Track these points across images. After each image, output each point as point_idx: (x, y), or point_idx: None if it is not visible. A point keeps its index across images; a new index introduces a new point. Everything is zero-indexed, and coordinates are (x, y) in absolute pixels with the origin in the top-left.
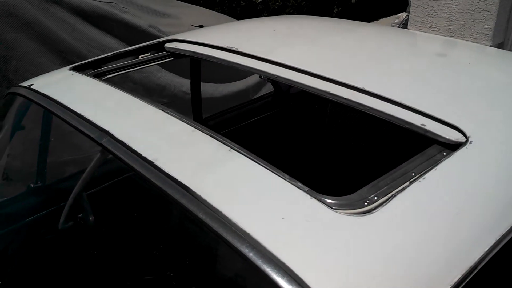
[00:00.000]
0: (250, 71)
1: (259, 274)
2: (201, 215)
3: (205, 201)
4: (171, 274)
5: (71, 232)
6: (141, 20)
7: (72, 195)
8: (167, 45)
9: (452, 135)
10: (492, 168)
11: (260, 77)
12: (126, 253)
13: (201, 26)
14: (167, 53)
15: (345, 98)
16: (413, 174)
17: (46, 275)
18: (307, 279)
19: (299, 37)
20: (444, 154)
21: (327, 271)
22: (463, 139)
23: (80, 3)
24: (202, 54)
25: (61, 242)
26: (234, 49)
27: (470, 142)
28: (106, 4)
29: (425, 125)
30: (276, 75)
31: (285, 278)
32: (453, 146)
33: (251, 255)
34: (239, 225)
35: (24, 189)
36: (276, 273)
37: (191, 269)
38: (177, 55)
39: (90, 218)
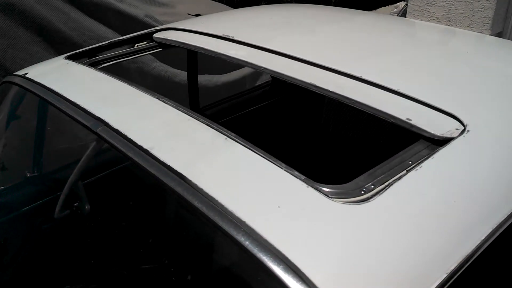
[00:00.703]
0: (238, 63)
1: (255, 263)
2: (197, 203)
3: (201, 189)
4: (167, 263)
5: (67, 221)
6: (137, 10)
7: (67, 184)
8: (155, 35)
9: (448, 126)
10: (489, 157)
11: None
12: (122, 242)
13: (198, 15)
14: (156, 43)
15: (330, 91)
16: (410, 162)
17: (42, 264)
18: (303, 267)
19: (296, 26)
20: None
21: (323, 259)
22: (456, 132)
23: None
24: (189, 45)
25: (57, 231)
26: (230, 37)
27: (468, 131)
28: None
29: (410, 120)
30: (263, 67)
31: (281, 266)
32: (444, 140)
33: (247, 243)
34: (235, 214)
35: (20, 179)
36: (272, 261)
37: (187, 257)
38: (165, 45)
39: (86, 207)
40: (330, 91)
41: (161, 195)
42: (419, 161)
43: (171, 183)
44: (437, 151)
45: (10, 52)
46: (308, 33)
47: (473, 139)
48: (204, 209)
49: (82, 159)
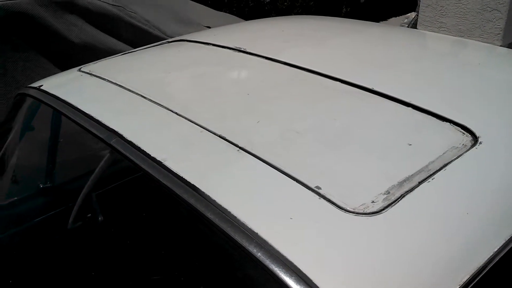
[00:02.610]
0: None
1: (267, 274)
2: (209, 215)
3: (214, 201)
4: (179, 274)
5: (80, 232)
6: (149, 23)
7: (81, 196)
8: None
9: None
10: (502, 168)
11: None
12: (135, 253)
13: (208, 27)
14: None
15: None
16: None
17: (54, 275)
18: (315, 279)
19: (308, 37)
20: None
21: (335, 271)
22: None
23: (88, 4)
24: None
25: (69, 242)
26: (242, 49)
27: (480, 143)
28: (114, 7)
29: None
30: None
31: (293, 277)
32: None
33: (259, 255)
34: (247, 225)
35: (33, 190)
36: (284, 272)
37: (199, 269)
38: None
39: (99, 218)
40: None
41: (174, 207)
42: (431, 173)
43: (184, 194)
44: (449, 163)
45: (21, 64)
46: (320, 45)
47: (486, 150)
48: (216, 221)
49: (96, 171)
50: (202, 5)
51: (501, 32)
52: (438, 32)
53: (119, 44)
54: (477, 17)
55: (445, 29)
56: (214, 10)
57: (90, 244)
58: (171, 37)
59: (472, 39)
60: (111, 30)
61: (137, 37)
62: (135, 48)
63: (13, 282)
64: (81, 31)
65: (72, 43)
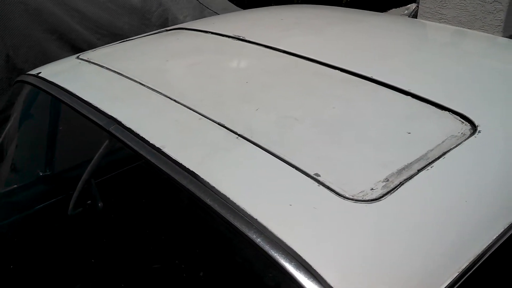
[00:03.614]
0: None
1: (267, 260)
2: (209, 201)
3: (213, 187)
4: (179, 261)
5: (80, 219)
6: (153, 5)
7: (80, 182)
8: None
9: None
10: (501, 156)
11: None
12: (135, 240)
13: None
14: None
15: None
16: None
17: (54, 262)
18: (314, 265)
19: (307, 26)
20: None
21: (334, 257)
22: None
23: None
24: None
25: (69, 229)
26: (241, 37)
27: (479, 132)
28: None
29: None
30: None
31: (293, 263)
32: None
33: (258, 240)
34: (247, 211)
35: (33, 178)
36: (283, 258)
37: (199, 255)
38: None
39: (99, 204)
40: None
41: (173, 193)
42: (430, 162)
43: (183, 181)
44: (448, 152)
45: (23, 51)
46: (319, 34)
47: (485, 139)
48: (216, 207)
49: (95, 158)
50: None
51: (501, 24)
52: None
53: (123, 30)
54: (477, 8)
55: (445, 20)
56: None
57: (90, 230)
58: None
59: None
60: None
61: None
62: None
63: (13, 268)
64: (83, 17)
65: (74, 29)
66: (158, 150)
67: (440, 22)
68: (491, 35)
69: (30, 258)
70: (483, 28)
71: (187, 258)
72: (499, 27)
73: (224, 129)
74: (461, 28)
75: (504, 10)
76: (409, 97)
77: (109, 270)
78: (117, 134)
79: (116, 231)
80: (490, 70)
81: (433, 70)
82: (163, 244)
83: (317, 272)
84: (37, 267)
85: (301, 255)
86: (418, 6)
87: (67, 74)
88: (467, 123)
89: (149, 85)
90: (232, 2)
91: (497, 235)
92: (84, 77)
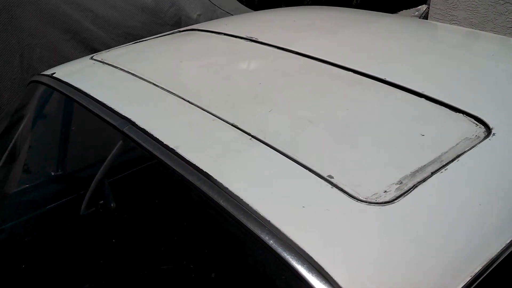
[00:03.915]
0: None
1: (279, 262)
2: (222, 202)
3: (226, 188)
4: (191, 261)
5: (92, 219)
6: (166, 5)
7: (93, 182)
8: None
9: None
10: None
11: None
12: (146, 240)
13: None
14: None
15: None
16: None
17: (65, 262)
18: (327, 267)
19: (319, 28)
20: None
21: (346, 260)
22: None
23: None
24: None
25: (82, 229)
26: (254, 39)
27: (493, 134)
28: None
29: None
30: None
31: (305, 265)
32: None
33: (271, 242)
34: (260, 213)
35: (46, 177)
36: (296, 260)
37: (211, 256)
38: None
39: (112, 205)
40: None
41: (187, 194)
42: (444, 164)
43: (196, 182)
44: (462, 154)
45: (38, 51)
46: (331, 35)
47: (499, 142)
48: (229, 208)
49: (109, 158)
50: None
51: None
52: None
53: (137, 28)
54: (489, 10)
55: (456, 22)
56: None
57: (102, 230)
58: (191, 21)
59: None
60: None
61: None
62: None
63: (26, 267)
64: (97, 16)
65: (88, 28)
66: (172, 150)
67: (451, 24)
68: (503, 36)
69: (41, 258)
70: (494, 30)
71: (199, 259)
72: (510, 28)
73: (238, 130)
74: (473, 29)
75: None
76: (422, 99)
77: (119, 270)
78: (131, 135)
79: (128, 232)
80: (503, 72)
81: (446, 72)
82: (175, 245)
83: (329, 275)
84: (48, 266)
85: (313, 257)
86: (428, 8)
87: (81, 74)
88: (481, 125)
89: (163, 86)
90: (242, 3)
91: (511, 239)
92: (98, 77)
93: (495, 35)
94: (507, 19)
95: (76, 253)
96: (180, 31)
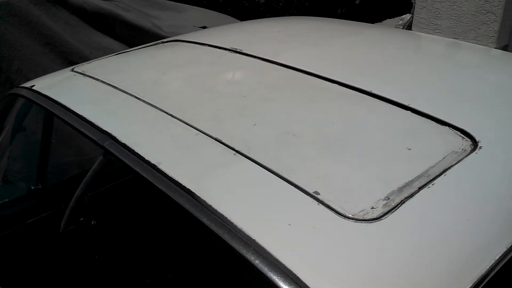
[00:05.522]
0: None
1: (265, 281)
2: (205, 220)
3: (210, 206)
4: (174, 281)
5: (72, 236)
6: (144, 20)
7: (73, 198)
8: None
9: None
10: (503, 173)
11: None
12: (128, 258)
13: (204, 27)
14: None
15: None
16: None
17: (46, 278)
18: (314, 287)
19: (304, 39)
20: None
21: (334, 279)
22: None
23: (83, 3)
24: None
25: (61, 245)
26: (238, 50)
27: (480, 148)
28: (109, 3)
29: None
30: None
31: (292, 285)
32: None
33: (257, 262)
34: (245, 231)
35: (24, 191)
36: (282, 280)
37: (195, 274)
38: None
39: (92, 222)
40: None
41: (169, 211)
42: (431, 179)
43: (179, 199)
44: (449, 169)
45: (16, 63)
46: (317, 46)
47: (486, 155)
48: (212, 226)
49: (89, 174)
50: (196, 7)
51: (495, 34)
52: (433, 34)
53: (114, 43)
54: (471, 19)
55: (440, 31)
56: (209, 10)
57: (82, 247)
58: (167, 35)
59: (467, 41)
60: (106, 29)
61: (133, 34)
62: (130, 47)
63: (3, 285)
64: (76, 31)
65: (67, 42)
66: (154, 166)
67: (434, 33)
68: (486, 47)
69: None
70: (477, 39)
71: (182, 277)
72: (493, 37)
73: (222, 145)
74: (457, 40)
75: (498, 21)
76: (408, 111)
77: (102, 286)
78: (112, 150)
79: (109, 249)
80: (488, 84)
81: (432, 84)
82: (158, 264)
83: None
84: (27, 284)
85: (300, 277)
86: (412, 17)
87: (61, 87)
88: (468, 138)
89: (145, 99)
90: (228, 14)
91: (500, 255)
92: (78, 90)
93: (478, 45)
94: (489, 28)
95: (57, 270)
96: (163, 42)
